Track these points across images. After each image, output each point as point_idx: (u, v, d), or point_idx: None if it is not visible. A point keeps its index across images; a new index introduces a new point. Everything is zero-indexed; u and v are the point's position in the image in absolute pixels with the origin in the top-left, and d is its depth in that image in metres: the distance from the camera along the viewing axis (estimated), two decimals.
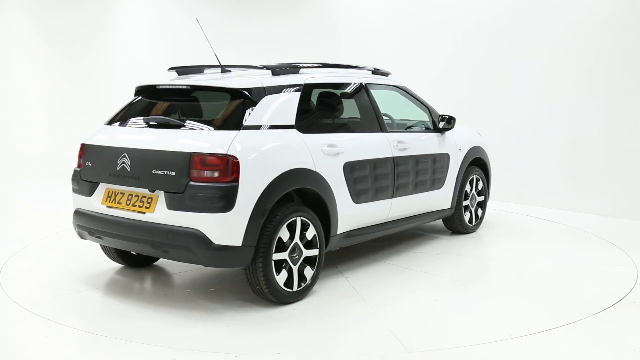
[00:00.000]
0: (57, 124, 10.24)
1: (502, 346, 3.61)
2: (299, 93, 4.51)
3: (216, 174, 3.85)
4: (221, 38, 10.81)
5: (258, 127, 4.13)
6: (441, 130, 5.82)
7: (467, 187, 6.20)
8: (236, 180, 3.86)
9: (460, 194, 6.09)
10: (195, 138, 4.07)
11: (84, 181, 4.50)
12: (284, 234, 4.13)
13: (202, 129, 4.14)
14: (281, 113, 4.33)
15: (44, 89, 10.40)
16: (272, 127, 4.23)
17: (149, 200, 4.08)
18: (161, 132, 4.26)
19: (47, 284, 4.75)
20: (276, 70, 4.58)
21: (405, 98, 5.77)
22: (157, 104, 4.57)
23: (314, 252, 4.38)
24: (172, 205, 3.94)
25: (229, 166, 3.85)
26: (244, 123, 4.07)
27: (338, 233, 4.65)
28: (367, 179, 4.84)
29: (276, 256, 4.09)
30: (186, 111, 4.42)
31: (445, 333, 3.83)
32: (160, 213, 4.00)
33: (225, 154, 3.87)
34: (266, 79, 4.41)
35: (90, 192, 4.44)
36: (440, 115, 5.82)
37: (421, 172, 5.47)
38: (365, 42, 9.94)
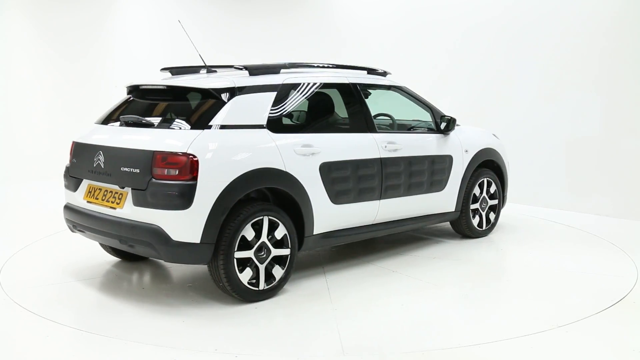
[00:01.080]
0: (57, 124, 10.23)
1: (502, 346, 3.61)
2: (274, 93, 4.53)
3: (176, 172, 3.95)
4: (221, 38, 10.85)
5: (224, 127, 4.20)
6: (444, 132, 5.69)
7: (477, 190, 6.01)
8: (195, 178, 3.94)
9: (467, 197, 5.91)
10: (161, 137, 4.19)
11: (71, 177, 4.71)
12: (248, 232, 4.17)
13: (169, 128, 4.27)
14: (251, 113, 4.38)
15: (44, 89, 10.40)
16: (240, 126, 4.29)
17: (120, 197, 4.23)
18: (132, 131, 4.41)
19: (48, 284, 4.75)
20: (253, 71, 4.60)
21: (405, 98, 5.70)
22: (139, 103, 4.70)
23: (285, 251, 4.40)
24: (137, 201, 4.08)
25: (187, 165, 3.94)
26: (210, 123, 4.16)
27: (315, 233, 4.63)
28: (348, 179, 4.78)
29: (239, 254, 4.14)
30: (160, 110, 4.53)
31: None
32: (128, 209, 4.14)
33: (185, 153, 3.96)
34: (241, 80, 4.46)
35: (75, 188, 4.65)
36: (442, 116, 5.70)
37: (416, 173, 5.35)
38: (367, 41, 9.94)
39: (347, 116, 5.18)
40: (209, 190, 3.99)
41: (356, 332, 3.83)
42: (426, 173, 5.46)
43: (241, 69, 4.62)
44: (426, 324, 3.99)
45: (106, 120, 4.74)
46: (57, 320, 3.96)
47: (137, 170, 4.08)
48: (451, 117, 5.68)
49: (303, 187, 4.48)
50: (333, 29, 10.39)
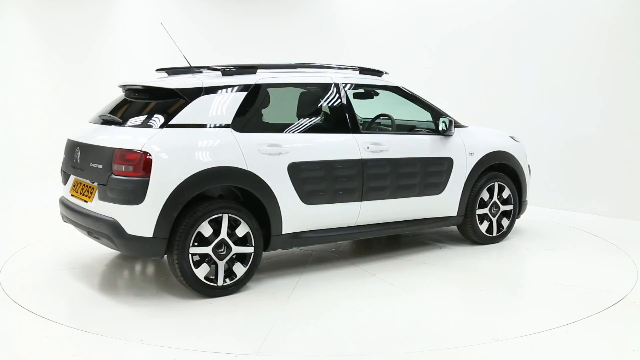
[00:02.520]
0: (58, 124, 10.22)
1: (502, 346, 3.61)
2: (244, 93, 4.59)
3: (131, 169, 4.12)
4: (221, 39, 10.85)
5: (185, 126, 4.32)
6: (443, 133, 5.49)
7: (485, 195, 5.77)
8: (148, 175, 4.09)
9: (472, 202, 5.68)
10: (123, 135, 4.37)
11: (62, 172, 4.99)
12: (204, 229, 4.27)
13: (134, 127, 4.41)
14: (216, 112, 4.46)
15: (43, 89, 10.39)
16: (202, 125, 4.38)
17: (91, 191, 4.45)
18: (104, 129, 4.59)
19: (47, 284, 4.75)
20: (226, 71, 4.69)
21: (403, 98, 5.56)
22: (124, 101, 4.82)
23: (248, 249, 4.45)
24: (100, 195, 4.31)
25: (141, 162, 4.10)
26: (171, 121, 4.29)
27: (283, 233, 4.65)
28: (321, 180, 4.75)
29: (195, 250, 4.25)
30: (133, 109, 4.67)
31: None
32: (95, 203, 4.38)
33: (140, 150, 4.12)
34: (209, 80, 4.57)
35: (65, 182, 4.95)
36: (440, 117, 5.51)
37: (405, 175, 5.22)
38: (368, 41, 9.94)
39: (324, 116, 5.13)
40: (161, 187, 4.13)
41: (283, 335, 3.78)
42: (418, 175, 5.30)
43: (216, 70, 4.73)
44: (369, 327, 3.91)
45: (94, 118, 4.92)
46: (57, 320, 3.96)
47: (101, 166, 4.30)
48: (449, 119, 5.48)
49: (268, 187, 4.51)
50: (334, 28, 10.40)
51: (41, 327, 3.86)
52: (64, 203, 4.87)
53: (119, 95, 5.02)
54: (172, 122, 4.29)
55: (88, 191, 4.48)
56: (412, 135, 5.52)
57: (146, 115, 4.45)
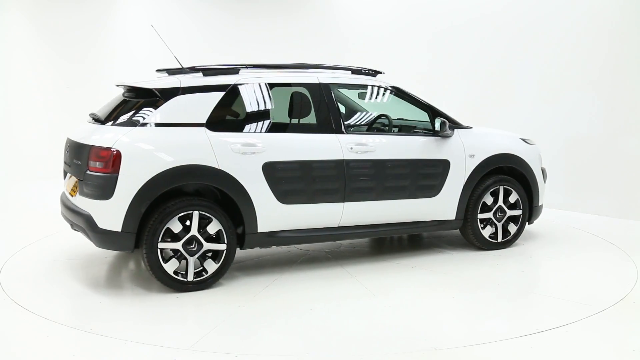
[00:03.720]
0: (58, 124, 10.21)
1: (502, 346, 3.61)
2: (222, 93, 4.67)
3: (102, 165, 4.32)
4: (221, 39, 10.84)
5: (159, 125, 4.47)
6: (440, 134, 5.34)
7: (489, 199, 5.58)
8: (117, 171, 4.26)
9: (472, 206, 5.50)
10: (101, 133, 4.50)
11: (63, 169, 5.13)
12: (174, 225, 4.39)
13: (113, 125, 4.54)
14: (191, 112, 4.56)
15: (44, 89, 10.39)
16: (176, 125, 4.49)
17: (77, 186, 4.63)
18: (89, 127, 4.73)
19: (47, 283, 4.76)
20: (207, 72, 4.80)
21: (399, 99, 5.46)
22: (118, 100, 4.93)
23: (220, 246, 4.54)
24: (79, 190, 4.53)
25: (111, 159, 4.28)
26: (146, 120, 4.46)
27: (259, 231, 4.69)
28: (298, 180, 4.76)
29: (163, 245, 4.39)
30: (121, 108, 4.76)
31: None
32: (77, 197, 4.59)
33: (110, 148, 4.29)
34: (188, 80, 4.68)
35: (64, 178, 5.12)
36: (435, 119, 5.37)
37: (394, 177, 5.14)
38: (369, 41, 9.94)
39: (308, 116, 5.11)
40: (130, 183, 4.29)
41: (227, 332, 3.82)
42: (409, 177, 5.21)
43: (197, 71, 4.84)
44: (318, 329, 3.89)
45: (89, 117, 5.05)
46: (57, 320, 3.96)
47: (80, 163, 4.52)
48: (443, 120, 5.32)
49: (242, 185, 4.57)
50: (335, 28, 10.40)
51: (41, 327, 3.86)
52: (61, 199, 5.08)
53: (119, 94, 5.07)
54: (146, 120, 4.46)
55: (75, 186, 4.66)
56: (403, 136, 5.43)
57: (125, 114, 4.59)
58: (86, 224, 4.42)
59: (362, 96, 5.67)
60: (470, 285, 4.76)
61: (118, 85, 4.99)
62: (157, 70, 5.37)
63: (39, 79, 10.35)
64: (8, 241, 6.00)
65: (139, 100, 4.65)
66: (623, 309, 4.24)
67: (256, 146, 4.64)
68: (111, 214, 4.32)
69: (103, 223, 4.35)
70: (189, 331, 3.88)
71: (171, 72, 5.19)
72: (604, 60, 7.43)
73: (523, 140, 5.96)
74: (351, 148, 4.96)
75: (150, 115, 4.49)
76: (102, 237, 4.39)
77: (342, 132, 5.02)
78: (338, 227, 5.03)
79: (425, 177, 5.29)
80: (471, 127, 5.66)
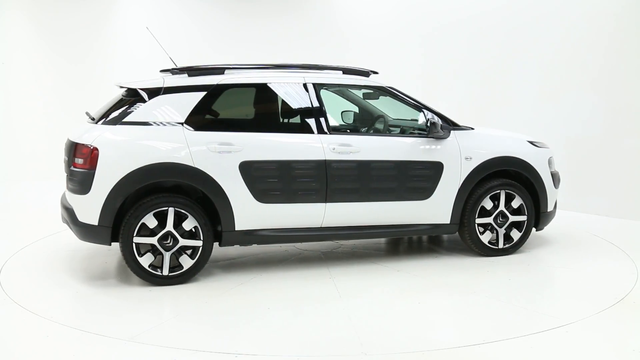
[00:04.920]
0: (58, 125, 10.22)
1: (502, 346, 3.61)
2: (203, 93, 4.77)
3: (82, 161, 4.53)
4: (221, 39, 10.84)
5: (138, 123, 4.62)
6: (433, 136, 5.18)
7: (488, 204, 5.38)
8: (94, 167, 4.46)
9: (469, 210, 5.32)
10: (88, 131, 4.67)
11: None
12: (149, 220, 4.55)
13: (99, 123, 4.69)
14: (172, 111, 4.70)
15: (44, 90, 10.39)
16: (156, 123, 4.65)
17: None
18: (84, 126, 4.85)
19: (48, 283, 4.76)
20: (192, 72, 4.91)
21: (392, 99, 5.36)
22: (112, 100, 5.05)
23: (196, 243, 4.66)
24: (66, 185, 4.78)
25: (89, 155, 4.49)
26: (125, 119, 4.63)
27: (237, 229, 4.76)
28: (277, 179, 4.77)
29: (139, 240, 4.55)
30: (112, 108, 4.88)
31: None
32: (65, 192, 4.83)
33: (89, 145, 4.49)
34: (172, 80, 4.83)
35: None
36: (427, 119, 5.18)
37: (380, 179, 5.04)
38: (370, 40, 9.95)
39: (290, 117, 5.13)
40: (106, 179, 4.47)
41: (174, 326, 3.90)
42: (397, 179, 5.09)
43: (182, 72, 4.94)
44: (267, 329, 3.90)
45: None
46: (57, 320, 3.96)
47: (67, 159, 4.75)
48: (432, 121, 5.15)
49: (217, 184, 4.65)
50: (336, 28, 10.40)
51: (41, 327, 3.86)
52: (61, 196, 5.19)
53: (119, 94, 5.11)
54: (127, 119, 4.63)
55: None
56: (393, 137, 5.30)
57: (113, 113, 4.75)
58: (69, 217, 4.67)
59: (373, 96, 5.64)
60: (460, 289, 4.75)
61: (120, 86, 5.10)
62: (161, 71, 5.36)
63: (39, 79, 10.36)
64: (8, 241, 6.00)
65: (128, 99, 4.80)
66: (623, 309, 4.24)
67: (233, 145, 4.70)
68: (89, 208, 4.52)
69: (82, 217, 4.56)
70: (137, 324, 3.87)
71: (174, 72, 5.16)
72: (604, 61, 7.43)
73: (531, 142, 5.73)
74: (333, 149, 4.92)
75: (132, 114, 4.65)
76: (82, 230, 4.60)
77: (326, 133, 4.98)
78: (321, 227, 5.00)
79: (415, 179, 5.16)
80: (472, 129, 5.49)
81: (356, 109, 6.03)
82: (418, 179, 5.17)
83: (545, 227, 5.95)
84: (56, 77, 10.44)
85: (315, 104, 5.03)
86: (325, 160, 4.89)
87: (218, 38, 10.85)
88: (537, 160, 5.58)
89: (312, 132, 4.96)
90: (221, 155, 4.66)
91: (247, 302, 4.36)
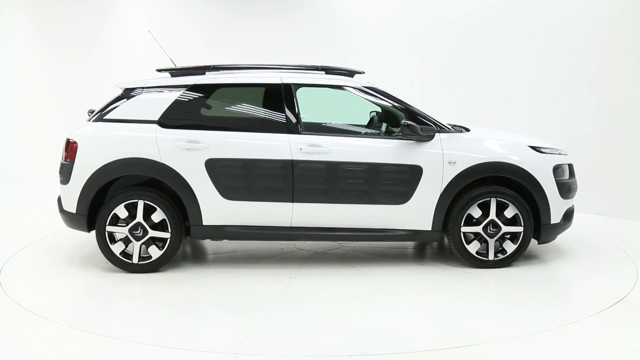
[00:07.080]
0: (57, 125, 10.22)
1: (502, 346, 3.61)
2: (179, 92, 5.05)
3: (66, 154, 5.00)
4: (220, 39, 10.84)
5: (115, 120, 4.99)
6: (414, 138, 4.96)
7: (476, 212, 5.07)
8: (74, 160, 4.92)
9: (453, 217, 5.05)
10: (78, 127, 5.06)
11: None
12: (120, 211, 4.91)
13: (87, 120, 5.09)
14: (146, 109, 5.00)
15: (44, 90, 10.40)
16: (131, 121, 4.98)
17: None
18: (79, 122, 5.18)
19: (47, 283, 4.76)
20: (175, 72, 5.20)
21: (375, 99, 5.21)
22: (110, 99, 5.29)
23: (164, 234, 4.94)
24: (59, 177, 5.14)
25: (70, 149, 4.96)
26: (107, 116, 5.01)
27: (204, 224, 4.97)
28: (242, 177, 4.90)
29: (111, 228, 4.93)
30: (103, 106, 5.19)
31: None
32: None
33: (71, 139, 4.98)
34: (154, 79, 5.14)
35: None
36: (401, 122, 4.99)
37: (350, 180, 4.93)
38: (370, 41, 9.94)
39: (262, 116, 5.13)
40: (82, 171, 4.90)
41: (129, 317, 4.08)
42: (370, 182, 4.94)
43: (164, 72, 5.24)
44: (217, 324, 3.94)
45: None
46: (57, 320, 3.97)
47: (62, 154, 5.14)
48: (406, 123, 4.92)
49: (184, 179, 4.90)
50: (336, 28, 10.39)
51: (41, 327, 3.86)
52: None
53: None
54: (107, 116, 5.00)
55: None
56: (370, 138, 5.16)
57: (101, 111, 5.09)
58: (59, 207, 5.19)
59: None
60: (459, 289, 4.75)
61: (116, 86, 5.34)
62: (158, 70, 5.39)
63: (39, 79, 10.36)
64: (8, 241, 6.00)
65: (116, 97, 5.12)
66: (623, 309, 4.24)
67: (200, 143, 4.90)
68: (70, 197, 4.98)
69: (65, 205, 5.07)
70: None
71: (173, 73, 5.25)
72: (604, 61, 7.43)
73: (535, 147, 5.25)
74: (301, 149, 4.91)
75: (113, 111, 5.02)
76: (65, 217, 5.12)
77: (296, 132, 4.97)
78: (291, 227, 5.03)
79: (388, 182, 4.97)
80: (467, 130, 5.31)
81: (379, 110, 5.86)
82: (392, 183, 4.99)
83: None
84: (56, 78, 10.45)
85: (289, 103, 5.05)
86: (292, 160, 4.92)
87: (218, 39, 10.85)
88: (536, 166, 5.11)
89: (282, 132, 4.98)
90: (188, 153, 4.89)
91: (210, 295, 4.50)
